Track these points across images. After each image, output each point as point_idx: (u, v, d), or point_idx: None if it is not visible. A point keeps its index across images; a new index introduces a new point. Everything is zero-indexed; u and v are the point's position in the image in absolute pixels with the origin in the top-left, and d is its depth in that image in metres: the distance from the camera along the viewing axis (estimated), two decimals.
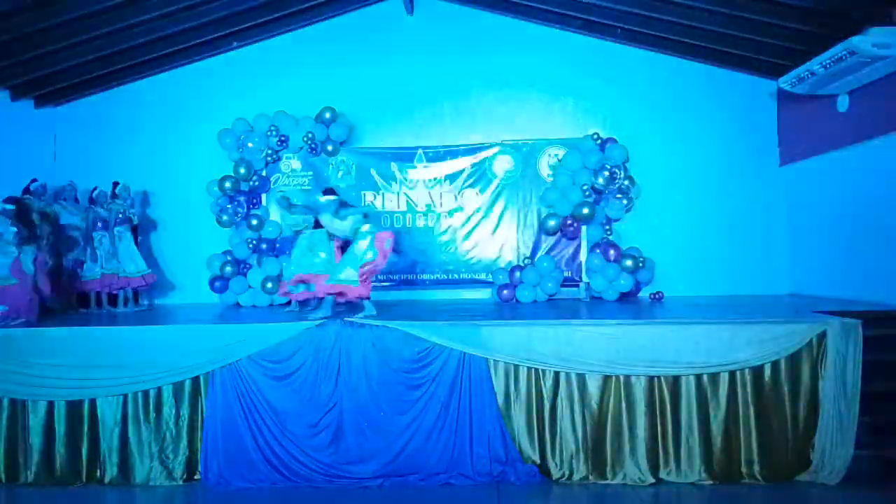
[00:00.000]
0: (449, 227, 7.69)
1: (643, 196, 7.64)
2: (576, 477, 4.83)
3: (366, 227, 5.48)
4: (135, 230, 7.38)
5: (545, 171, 7.60)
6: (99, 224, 6.89)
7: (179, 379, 5.02)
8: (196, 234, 7.83)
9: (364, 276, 5.34)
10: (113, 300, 6.99)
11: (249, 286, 7.26)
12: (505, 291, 7.23)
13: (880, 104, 5.88)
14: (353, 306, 5.52)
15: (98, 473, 5.02)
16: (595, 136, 7.37)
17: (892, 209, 5.78)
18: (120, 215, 6.89)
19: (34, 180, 6.88)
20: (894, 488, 4.59)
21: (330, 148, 7.56)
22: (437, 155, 7.72)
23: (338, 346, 5.00)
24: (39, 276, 5.76)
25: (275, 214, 7.36)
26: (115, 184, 6.99)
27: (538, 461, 4.88)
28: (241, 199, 7.49)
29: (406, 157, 7.74)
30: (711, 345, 4.77)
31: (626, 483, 4.76)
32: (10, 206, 5.76)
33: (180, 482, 4.97)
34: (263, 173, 7.58)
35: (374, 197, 7.74)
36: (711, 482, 4.74)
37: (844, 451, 4.66)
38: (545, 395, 4.91)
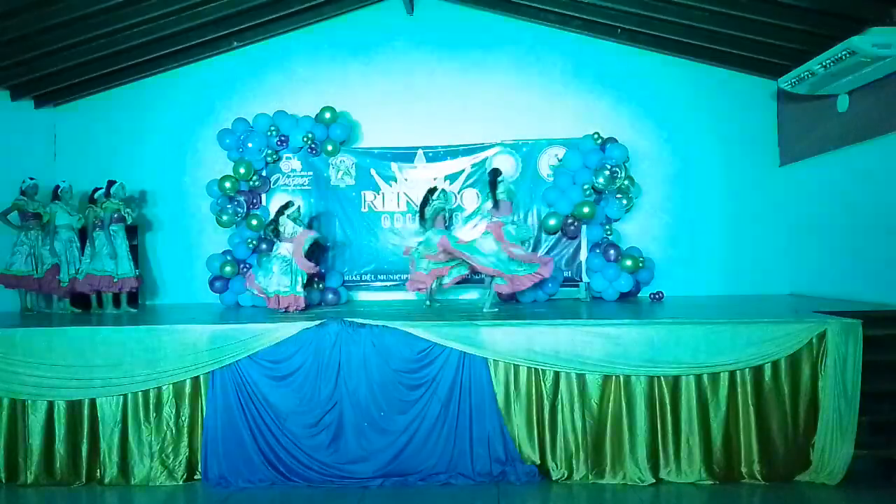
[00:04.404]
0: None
1: (643, 196, 7.65)
2: (576, 477, 4.84)
3: None
4: (133, 230, 7.38)
5: (545, 171, 7.59)
6: (96, 224, 6.88)
7: (179, 379, 5.02)
8: (196, 234, 7.84)
9: None
10: (100, 300, 6.99)
11: None
12: None
13: (880, 104, 5.88)
14: None
15: (98, 473, 5.03)
16: (595, 136, 7.36)
17: (892, 209, 5.78)
18: (115, 215, 6.87)
19: (26, 180, 6.89)
20: (894, 488, 4.59)
21: (330, 148, 7.56)
22: (437, 155, 7.71)
23: (338, 346, 5.00)
24: None
25: None
26: (111, 183, 6.98)
27: (538, 461, 4.88)
28: (241, 199, 7.48)
29: (406, 157, 7.73)
30: (711, 345, 4.77)
31: (626, 483, 4.76)
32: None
33: (180, 482, 4.98)
34: (263, 173, 7.58)
35: (374, 197, 7.74)
36: (711, 482, 4.74)
37: (844, 451, 4.66)
38: (545, 395, 4.91)
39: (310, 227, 7.08)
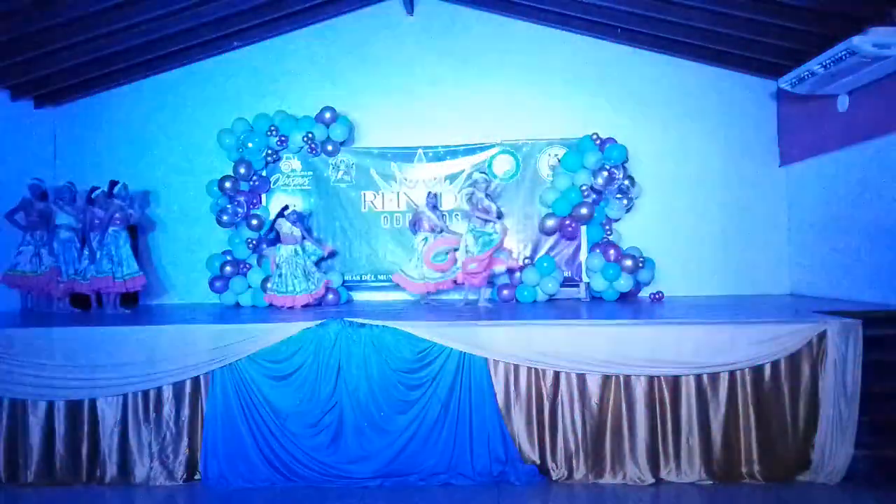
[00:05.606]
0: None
1: (643, 196, 7.65)
2: (576, 477, 4.83)
3: None
4: (133, 230, 7.38)
5: (545, 171, 7.60)
6: (96, 224, 6.87)
7: (179, 379, 5.02)
8: (196, 234, 7.84)
9: None
10: (99, 300, 6.98)
11: (249, 286, 7.26)
12: (505, 291, 7.24)
13: (880, 104, 5.88)
14: None
15: (98, 473, 5.02)
16: (595, 136, 7.36)
17: (891, 209, 5.78)
18: (117, 215, 6.86)
19: (30, 179, 6.90)
20: (894, 488, 4.59)
21: (330, 148, 7.57)
22: (437, 155, 7.72)
23: (338, 346, 5.00)
24: None
25: None
26: (114, 183, 6.99)
27: (538, 461, 4.87)
28: (241, 199, 7.48)
29: (406, 157, 7.73)
30: (711, 345, 4.77)
31: (626, 483, 4.76)
32: None
33: (180, 482, 4.97)
34: (263, 173, 7.59)
35: (374, 197, 7.74)
36: (711, 482, 4.74)
37: (844, 451, 4.66)
38: (545, 395, 4.91)
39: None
